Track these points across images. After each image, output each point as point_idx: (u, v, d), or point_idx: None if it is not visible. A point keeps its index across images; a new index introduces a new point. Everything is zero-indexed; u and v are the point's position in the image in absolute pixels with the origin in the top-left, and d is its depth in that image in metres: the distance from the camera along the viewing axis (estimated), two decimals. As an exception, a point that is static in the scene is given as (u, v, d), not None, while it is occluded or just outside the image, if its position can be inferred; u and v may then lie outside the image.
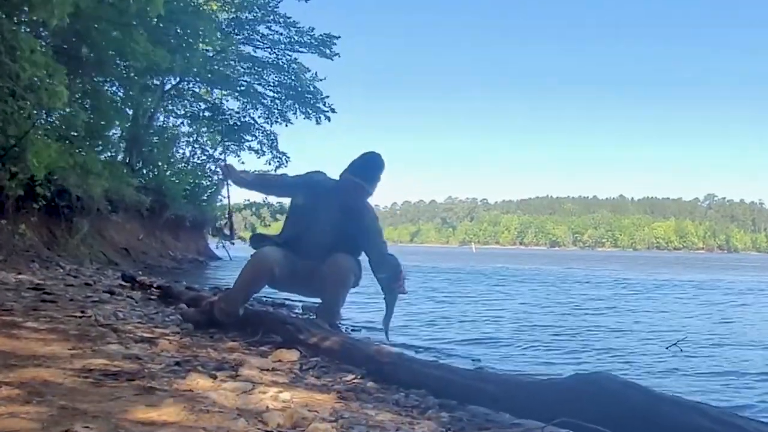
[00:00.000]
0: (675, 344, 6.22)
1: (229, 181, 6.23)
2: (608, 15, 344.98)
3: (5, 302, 5.22)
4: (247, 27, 22.85)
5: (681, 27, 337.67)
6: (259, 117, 25.03)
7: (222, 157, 24.85)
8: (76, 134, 13.70)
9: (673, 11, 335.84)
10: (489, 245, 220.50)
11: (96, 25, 11.82)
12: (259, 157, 25.44)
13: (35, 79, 9.32)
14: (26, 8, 9.57)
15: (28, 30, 9.88)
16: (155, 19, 12.78)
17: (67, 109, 12.10)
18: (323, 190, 5.27)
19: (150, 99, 19.41)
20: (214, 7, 20.78)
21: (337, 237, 5.17)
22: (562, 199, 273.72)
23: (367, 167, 5.21)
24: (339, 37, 23.57)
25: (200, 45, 17.42)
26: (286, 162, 25.93)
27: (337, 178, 5.28)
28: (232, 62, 23.11)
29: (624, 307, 10.58)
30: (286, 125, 24.82)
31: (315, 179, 5.53)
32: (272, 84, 24.28)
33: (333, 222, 5.19)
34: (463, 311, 9.37)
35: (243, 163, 25.38)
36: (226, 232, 23.22)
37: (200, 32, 16.11)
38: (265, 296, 8.83)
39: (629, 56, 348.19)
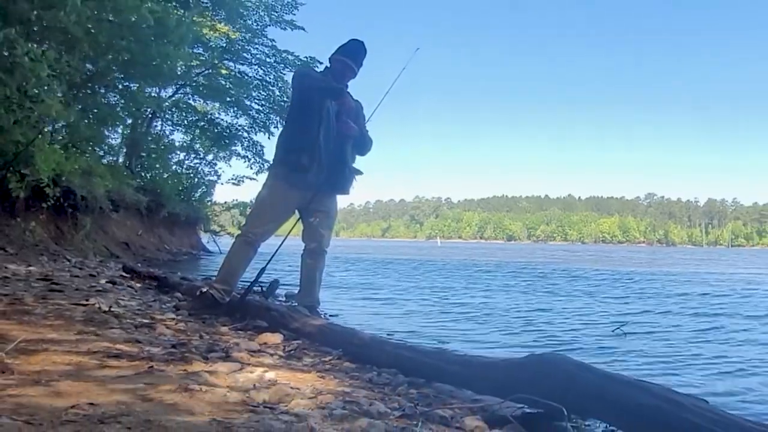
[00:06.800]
0: (620, 328, 6.28)
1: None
2: (559, 19, 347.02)
3: (17, 291, 5.16)
4: (238, 47, 22.67)
5: (626, 32, 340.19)
6: (245, 126, 24.84)
7: (214, 161, 24.67)
8: (79, 141, 13.58)
9: (620, 15, 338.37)
10: (452, 239, 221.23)
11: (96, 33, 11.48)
12: (245, 164, 25.32)
13: (36, 91, 9.22)
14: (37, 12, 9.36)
15: (35, 46, 9.67)
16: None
17: (71, 120, 11.94)
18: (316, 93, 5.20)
19: (148, 109, 19.23)
20: (207, 32, 20.70)
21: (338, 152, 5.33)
22: (518, 198, 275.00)
23: (355, 50, 5.36)
24: (322, 63, 23.46)
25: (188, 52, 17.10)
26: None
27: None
28: (222, 77, 23.02)
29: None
30: (269, 137, 24.58)
31: (305, 81, 5.40)
32: (258, 98, 24.08)
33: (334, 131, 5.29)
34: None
35: (230, 166, 25.29)
36: None
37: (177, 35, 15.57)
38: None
39: (573, 62, 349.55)
